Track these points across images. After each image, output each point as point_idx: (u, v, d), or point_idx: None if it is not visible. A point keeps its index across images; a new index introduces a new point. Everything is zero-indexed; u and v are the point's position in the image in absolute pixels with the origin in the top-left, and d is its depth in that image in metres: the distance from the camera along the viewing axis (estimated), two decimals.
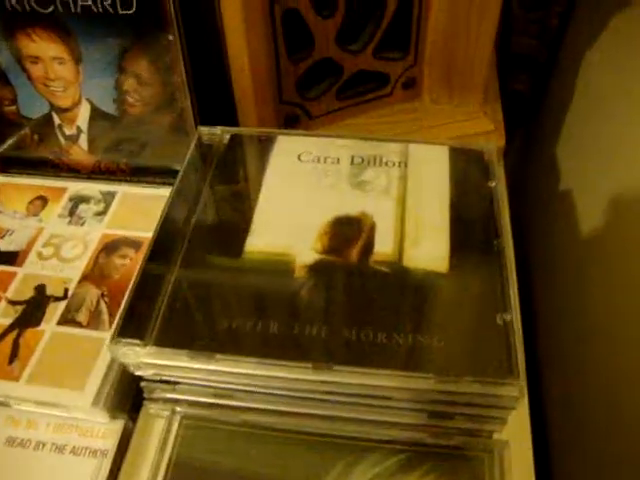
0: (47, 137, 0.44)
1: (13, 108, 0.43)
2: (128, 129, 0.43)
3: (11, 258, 0.39)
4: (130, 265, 0.38)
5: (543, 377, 0.46)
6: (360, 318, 0.29)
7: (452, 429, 0.30)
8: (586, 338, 0.39)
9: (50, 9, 0.37)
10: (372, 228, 0.33)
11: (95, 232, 0.40)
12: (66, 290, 0.37)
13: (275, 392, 0.29)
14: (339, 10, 0.39)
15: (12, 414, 0.33)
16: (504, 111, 0.47)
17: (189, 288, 0.31)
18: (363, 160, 0.37)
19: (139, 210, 0.41)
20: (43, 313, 0.36)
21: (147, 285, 0.31)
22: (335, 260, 0.31)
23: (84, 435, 0.33)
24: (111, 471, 0.31)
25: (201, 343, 0.28)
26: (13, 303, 0.36)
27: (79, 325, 0.35)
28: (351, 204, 0.34)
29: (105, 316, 0.35)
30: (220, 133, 0.39)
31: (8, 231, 0.41)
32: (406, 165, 0.36)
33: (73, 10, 0.37)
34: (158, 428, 0.32)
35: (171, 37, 0.37)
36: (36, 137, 0.44)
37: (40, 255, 0.39)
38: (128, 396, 0.34)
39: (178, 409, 0.32)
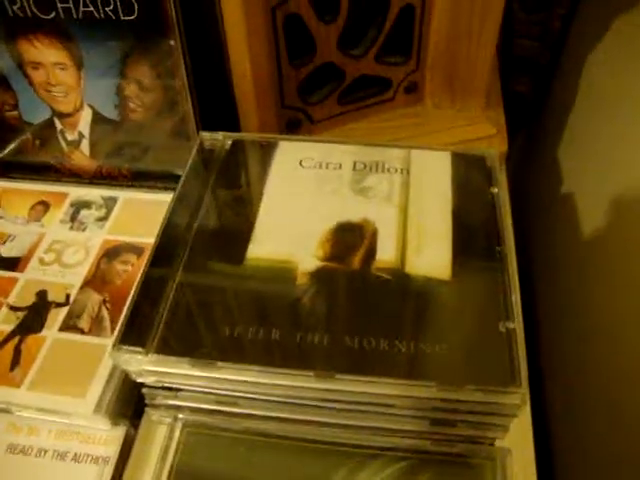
0: (49, 142, 0.44)
1: (15, 113, 0.43)
2: (130, 134, 0.43)
3: (13, 264, 0.39)
4: (132, 271, 0.38)
5: (545, 383, 0.45)
6: (362, 326, 0.29)
7: (454, 436, 0.30)
8: (588, 342, 0.39)
9: (52, 15, 0.37)
10: (374, 235, 0.33)
11: (97, 238, 0.40)
12: (68, 296, 0.37)
13: (277, 399, 0.29)
14: (341, 15, 0.39)
15: (14, 421, 0.33)
16: (506, 114, 0.47)
17: (191, 295, 0.31)
18: (365, 166, 0.37)
19: (141, 215, 0.41)
20: (45, 319, 0.36)
21: (149, 292, 0.30)
22: (337, 267, 0.31)
23: (86, 442, 0.33)
24: (113, 478, 0.31)
25: (203, 351, 0.28)
26: (15, 309, 0.36)
27: (81, 331, 0.35)
28: (353, 210, 0.34)
29: (107, 322, 0.35)
30: (222, 138, 0.39)
31: (10, 236, 0.41)
32: (408, 171, 0.36)
33: (75, 16, 0.37)
34: (160, 435, 0.32)
35: (173, 42, 0.37)
36: (38, 142, 0.44)
37: (42, 261, 0.39)
38: (130, 403, 0.34)
39: (180, 416, 0.32)
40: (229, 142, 0.39)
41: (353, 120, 0.46)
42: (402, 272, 0.31)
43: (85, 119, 0.42)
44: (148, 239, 0.38)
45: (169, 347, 0.28)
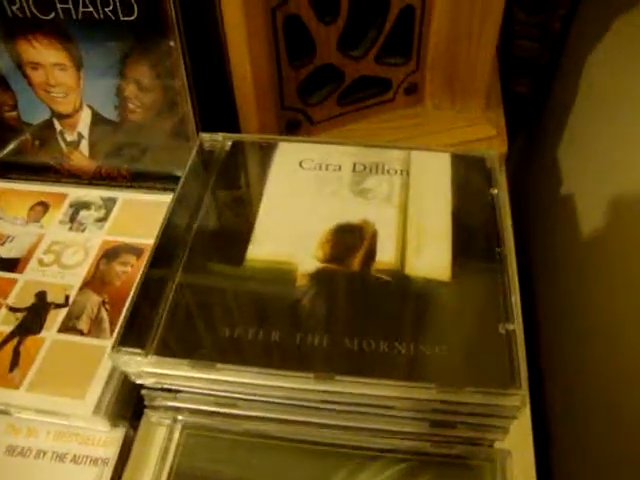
0: (48, 143, 0.44)
1: (14, 114, 0.43)
2: (129, 135, 0.43)
3: (12, 265, 0.39)
4: (131, 272, 0.38)
5: (544, 384, 0.45)
6: (362, 327, 0.29)
7: (454, 438, 0.30)
8: (587, 343, 0.39)
9: (51, 15, 0.37)
10: (374, 236, 0.33)
11: (96, 239, 0.40)
12: (67, 297, 0.37)
13: (277, 401, 0.29)
14: (341, 16, 0.39)
15: (12, 422, 0.33)
16: (506, 115, 0.47)
17: (190, 296, 0.31)
18: (365, 167, 0.37)
19: (140, 216, 0.41)
20: (44, 320, 0.36)
21: (148, 293, 0.30)
22: (337, 269, 0.31)
23: (85, 443, 0.32)
24: None
25: (202, 352, 0.28)
26: (14, 310, 0.36)
27: (80, 333, 0.35)
28: (353, 212, 0.34)
29: (106, 324, 0.35)
30: (221, 139, 0.39)
31: (9, 237, 0.41)
32: (408, 173, 0.36)
33: (74, 16, 0.37)
34: (159, 436, 0.32)
35: (172, 43, 0.37)
36: (37, 143, 0.44)
37: (41, 262, 0.39)
38: (129, 404, 0.34)
39: (179, 417, 0.32)
40: (229, 143, 0.39)
41: (353, 121, 0.46)
42: (402, 273, 0.31)
43: (84, 120, 0.42)
44: (147, 240, 0.38)
45: (168, 348, 0.28)
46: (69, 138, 0.44)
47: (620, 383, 0.33)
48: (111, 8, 0.36)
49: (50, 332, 0.35)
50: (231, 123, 0.42)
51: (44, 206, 0.43)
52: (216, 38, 0.37)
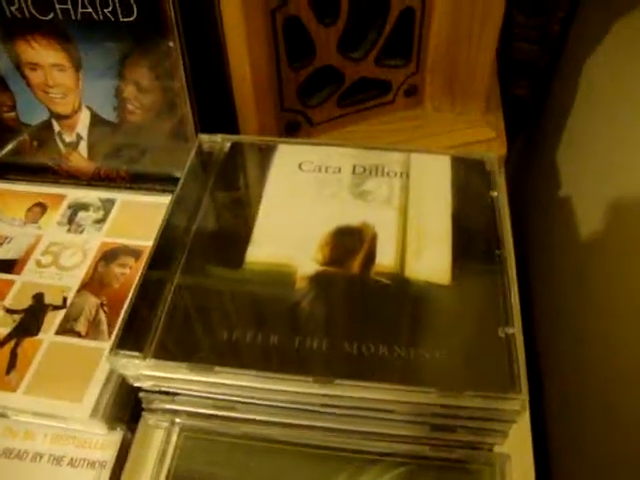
0: (46, 144, 0.44)
1: (12, 114, 0.43)
2: (128, 136, 0.42)
3: (9, 266, 0.39)
4: (130, 274, 0.37)
5: (543, 387, 0.45)
6: (361, 331, 0.28)
7: (453, 442, 0.30)
8: (585, 344, 0.39)
9: (50, 16, 0.37)
10: (373, 239, 0.33)
11: (94, 240, 0.40)
12: (65, 299, 0.36)
13: (275, 404, 0.29)
14: (341, 18, 0.39)
15: (10, 425, 0.33)
16: (505, 117, 0.47)
17: (189, 299, 0.31)
18: (365, 170, 0.37)
19: (139, 218, 0.41)
20: (41, 322, 0.35)
21: (147, 296, 0.30)
22: (336, 271, 0.31)
23: (82, 446, 0.32)
24: None
25: (201, 355, 0.28)
26: (11, 312, 0.36)
27: (78, 335, 0.35)
28: (352, 214, 0.34)
29: (104, 326, 0.35)
30: (220, 141, 0.39)
31: (6, 238, 0.41)
32: (408, 175, 0.36)
33: (73, 17, 0.36)
34: (157, 439, 0.32)
35: (171, 44, 0.37)
36: (35, 143, 0.44)
37: (39, 263, 0.39)
38: (127, 407, 0.33)
39: (177, 420, 0.32)
40: (228, 144, 0.39)
41: (353, 123, 0.45)
42: (401, 276, 0.31)
43: (83, 121, 0.42)
44: (146, 242, 0.38)
45: (167, 351, 0.28)
46: (68, 139, 0.43)
47: (617, 383, 0.33)
48: (110, 9, 0.36)
49: (47, 334, 0.35)
50: (230, 124, 0.42)
51: (42, 207, 0.43)
52: (215, 39, 0.37)
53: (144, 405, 0.32)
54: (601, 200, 0.38)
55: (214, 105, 0.42)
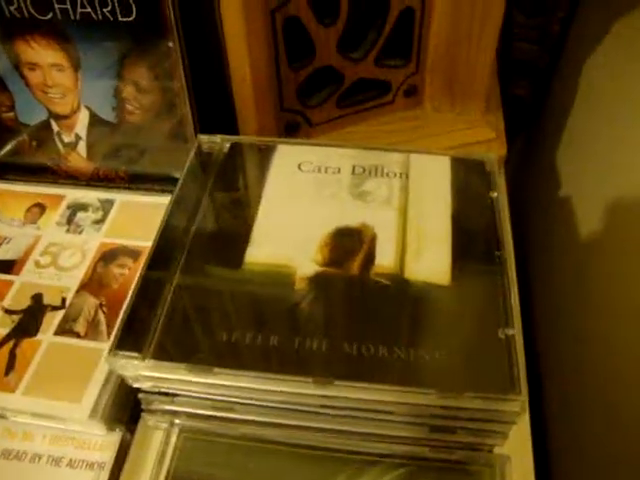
0: (45, 144, 0.44)
1: (11, 114, 0.43)
2: (127, 136, 0.42)
3: (8, 266, 0.39)
4: (128, 275, 0.37)
5: (543, 387, 0.45)
6: (361, 332, 0.28)
7: (453, 443, 0.30)
8: (584, 344, 0.39)
9: (49, 16, 0.37)
10: (373, 240, 0.33)
11: (93, 241, 0.40)
12: (63, 299, 0.36)
13: (274, 405, 0.29)
14: (341, 18, 0.39)
15: (8, 426, 0.33)
16: (505, 117, 0.47)
17: (188, 299, 0.31)
18: (364, 170, 0.37)
19: (138, 218, 0.41)
20: (40, 323, 0.35)
21: (146, 296, 0.30)
22: (336, 272, 0.31)
23: (81, 447, 0.32)
24: None
25: (200, 356, 0.28)
26: (10, 312, 0.36)
27: (77, 335, 0.35)
28: (352, 215, 0.34)
29: (103, 326, 0.35)
30: (220, 142, 0.39)
31: (5, 239, 0.41)
32: (407, 176, 0.36)
33: (72, 17, 0.36)
34: (156, 440, 0.32)
35: (171, 44, 0.37)
36: (34, 144, 0.44)
37: (37, 264, 0.39)
38: (126, 408, 0.33)
39: (176, 421, 0.32)
40: (227, 145, 0.39)
41: (352, 123, 0.45)
42: (401, 277, 0.31)
43: (82, 121, 0.42)
44: (145, 242, 0.38)
45: (166, 352, 0.28)
46: (66, 139, 0.43)
47: (617, 384, 0.33)
48: (109, 9, 0.36)
49: (46, 335, 0.35)
50: (230, 125, 0.41)
51: (41, 207, 0.43)
52: (215, 39, 0.37)
53: (143, 406, 0.32)
54: (601, 200, 0.38)
55: (213, 105, 0.42)
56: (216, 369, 0.27)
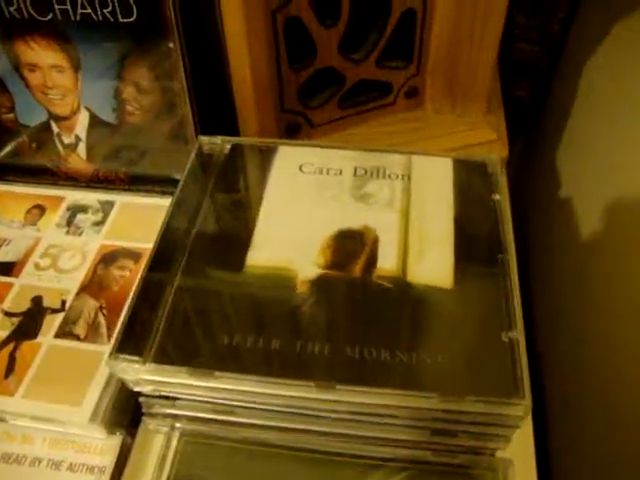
0: (45, 145, 0.44)
1: (11, 116, 0.42)
2: (127, 137, 0.42)
3: (7, 268, 0.39)
4: (129, 277, 0.37)
5: (544, 387, 0.45)
6: (363, 335, 0.28)
7: (455, 447, 0.29)
8: (585, 344, 0.39)
9: (49, 17, 0.36)
10: (375, 242, 0.32)
11: (93, 242, 0.40)
12: (63, 302, 0.36)
13: (276, 409, 0.29)
14: (342, 19, 0.38)
15: (8, 429, 0.33)
16: (506, 118, 0.47)
17: (189, 302, 0.30)
18: (366, 172, 0.36)
19: (138, 220, 0.41)
20: (40, 325, 0.35)
21: (146, 299, 0.30)
22: (338, 275, 0.31)
23: (81, 451, 0.32)
24: None
25: (201, 360, 0.28)
26: (9, 315, 0.36)
27: (77, 338, 0.34)
28: (354, 217, 0.34)
29: (103, 329, 0.35)
30: (221, 143, 0.38)
31: (5, 241, 0.40)
32: (409, 178, 0.36)
33: (72, 18, 0.36)
34: (157, 444, 0.32)
35: (171, 45, 0.37)
36: (34, 145, 0.44)
37: (37, 266, 0.39)
38: (126, 411, 0.33)
39: (177, 425, 0.32)
40: (228, 146, 0.38)
41: (353, 124, 0.45)
42: (403, 280, 0.31)
43: (82, 122, 0.42)
44: (145, 244, 0.38)
45: (167, 356, 0.28)
46: (66, 140, 0.43)
47: (617, 384, 0.33)
48: (110, 9, 0.36)
49: (46, 337, 0.35)
50: (230, 126, 0.41)
51: (41, 209, 0.42)
52: (216, 40, 0.37)
53: (144, 410, 0.31)
54: (601, 200, 0.38)
55: (214, 106, 0.41)
56: (217, 373, 0.27)
